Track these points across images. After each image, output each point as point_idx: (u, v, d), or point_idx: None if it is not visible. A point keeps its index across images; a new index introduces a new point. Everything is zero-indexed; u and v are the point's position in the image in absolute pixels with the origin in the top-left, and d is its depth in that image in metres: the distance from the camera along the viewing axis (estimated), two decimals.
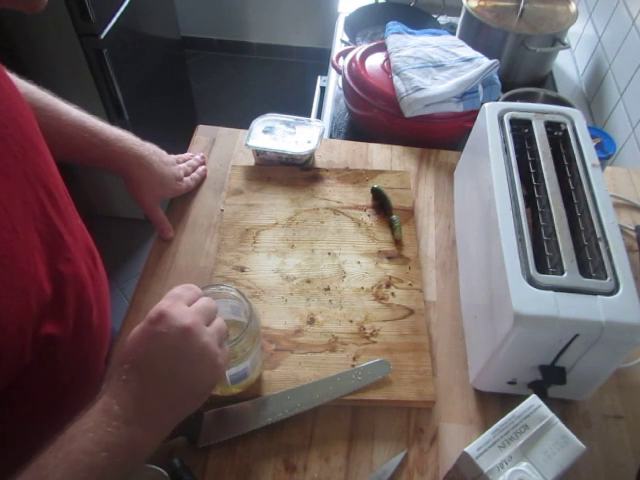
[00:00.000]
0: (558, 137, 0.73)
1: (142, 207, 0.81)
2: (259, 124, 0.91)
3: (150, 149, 0.79)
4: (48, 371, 0.56)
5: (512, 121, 0.74)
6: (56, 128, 0.69)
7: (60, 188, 0.59)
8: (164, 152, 0.83)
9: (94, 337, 0.64)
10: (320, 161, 0.93)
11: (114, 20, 1.56)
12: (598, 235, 0.61)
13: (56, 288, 0.53)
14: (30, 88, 0.68)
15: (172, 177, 0.82)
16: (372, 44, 1.13)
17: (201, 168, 0.90)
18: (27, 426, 0.55)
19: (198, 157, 0.90)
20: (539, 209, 0.65)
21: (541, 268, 0.58)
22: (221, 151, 0.94)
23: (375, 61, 1.09)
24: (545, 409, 0.53)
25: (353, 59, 1.09)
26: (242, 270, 0.76)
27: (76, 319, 0.58)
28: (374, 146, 0.97)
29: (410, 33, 1.16)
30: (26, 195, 0.51)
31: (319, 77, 1.48)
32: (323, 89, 1.39)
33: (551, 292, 0.56)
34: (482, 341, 0.65)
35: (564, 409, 0.66)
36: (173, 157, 0.85)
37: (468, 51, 1.09)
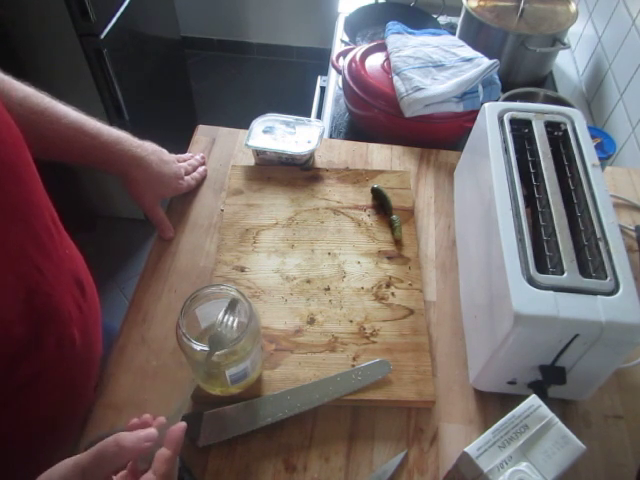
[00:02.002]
0: (558, 137, 0.73)
1: (142, 207, 0.80)
2: (259, 124, 0.91)
3: (149, 149, 0.78)
4: (25, 409, 0.55)
5: (512, 121, 0.74)
6: (55, 131, 0.68)
7: (46, 218, 0.57)
8: (164, 150, 0.82)
9: (78, 369, 0.62)
10: (320, 161, 0.93)
11: (114, 20, 1.56)
12: (598, 235, 0.61)
13: (32, 327, 0.52)
14: (28, 91, 0.67)
15: (172, 175, 0.81)
16: (372, 44, 1.13)
17: (201, 168, 0.89)
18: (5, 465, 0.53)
19: (198, 157, 0.90)
20: (539, 209, 0.65)
21: (541, 268, 0.58)
22: (221, 151, 0.94)
23: (375, 61, 1.09)
24: (545, 409, 0.53)
25: (353, 59, 1.09)
26: (242, 270, 0.76)
27: (57, 355, 0.56)
28: (374, 146, 0.97)
29: (410, 33, 1.16)
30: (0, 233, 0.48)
31: (319, 77, 1.48)
32: (323, 89, 1.39)
33: (551, 292, 0.56)
34: (482, 341, 0.65)
35: (564, 409, 0.66)
36: (173, 156, 0.85)
37: (468, 51, 1.09)
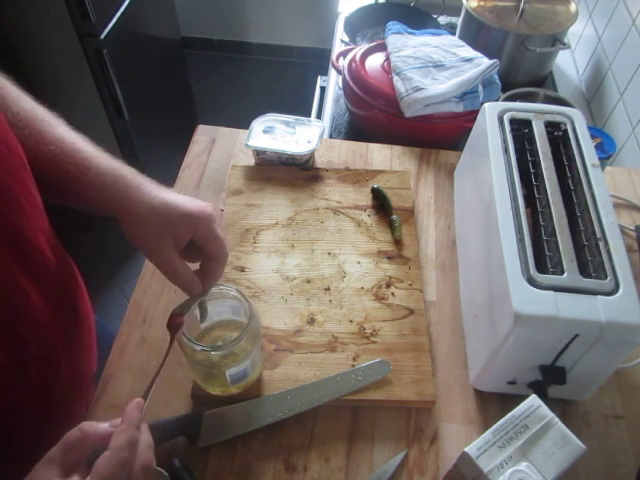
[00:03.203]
0: (558, 137, 0.73)
1: (147, 255, 0.56)
2: (259, 124, 0.91)
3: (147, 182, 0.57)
4: (3, 441, 0.53)
5: (512, 121, 0.74)
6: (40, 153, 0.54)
7: (40, 242, 0.52)
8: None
9: (63, 397, 0.60)
10: (320, 161, 0.93)
11: (114, 20, 1.56)
12: (598, 235, 0.61)
13: (13, 356, 0.50)
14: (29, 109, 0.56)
15: (193, 204, 0.56)
16: (372, 44, 1.13)
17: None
18: None
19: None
20: (539, 209, 0.65)
21: (541, 268, 0.58)
22: (221, 151, 0.94)
23: (375, 61, 1.09)
24: (545, 409, 0.53)
25: (353, 59, 1.09)
26: (242, 270, 0.76)
27: (39, 384, 0.54)
28: (374, 146, 0.97)
29: (410, 33, 1.16)
30: None
31: (319, 77, 1.48)
32: (323, 89, 1.39)
33: (551, 292, 0.56)
34: (482, 341, 0.65)
35: (564, 409, 0.66)
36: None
37: (468, 51, 1.09)
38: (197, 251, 0.57)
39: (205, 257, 0.57)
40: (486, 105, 0.76)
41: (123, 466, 0.41)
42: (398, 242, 0.81)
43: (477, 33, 1.26)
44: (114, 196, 0.54)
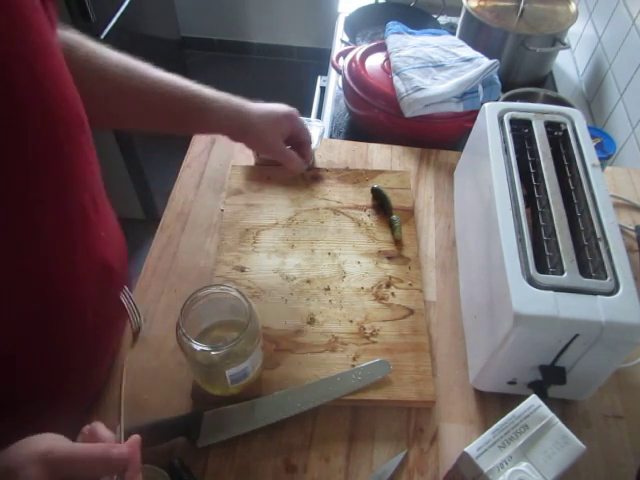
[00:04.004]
0: (558, 137, 0.73)
1: (264, 151, 0.79)
2: None
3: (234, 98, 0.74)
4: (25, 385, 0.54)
5: (512, 121, 0.74)
6: (154, 94, 0.66)
7: (84, 200, 0.54)
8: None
9: (86, 350, 0.60)
10: (320, 161, 0.93)
11: (114, 20, 1.56)
12: (598, 235, 0.61)
13: (40, 309, 0.50)
14: (124, 57, 0.67)
15: (278, 108, 0.75)
16: (372, 44, 1.13)
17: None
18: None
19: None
20: (539, 209, 0.65)
21: (541, 268, 0.58)
22: (221, 151, 0.94)
23: (375, 61, 1.09)
24: (545, 409, 0.53)
25: (353, 59, 1.09)
26: (242, 270, 0.76)
27: (63, 333, 0.55)
28: (374, 146, 0.97)
29: (410, 33, 1.16)
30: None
31: (319, 77, 1.48)
32: (323, 89, 1.39)
33: (551, 292, 0.56)
34: (482, 341, 0.65)
35: (564, 409, 0.66)
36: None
37: (468, 51, 1.09)
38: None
39: (298, 144, 0.78)
40: (486, 105, 0.76)
41: None
42: (398, 242, 0.81)
43: (477, 33, 1.26)
44: (229, 117, 0.70)
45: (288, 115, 0.75)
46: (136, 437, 0.46)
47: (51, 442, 0.42)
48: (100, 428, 0.46)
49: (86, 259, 0.56)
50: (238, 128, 0.71)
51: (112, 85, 0.64)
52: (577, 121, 0.73)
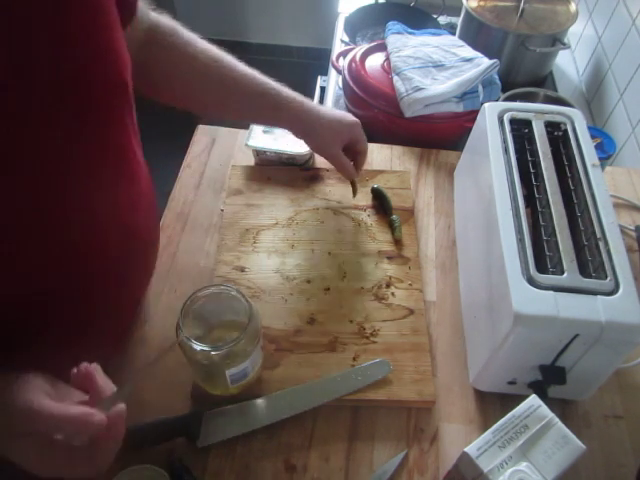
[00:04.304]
0: (558, 137, 0.73)
1: (322, 154, 0.82)
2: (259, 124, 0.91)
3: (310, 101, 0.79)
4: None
5: (512, 121, 0.74)
6: (232, 79, 0.73)
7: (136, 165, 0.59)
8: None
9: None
10: (320, 161, 0.93)
11: None
12: (598, 235, 0.61)
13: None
14: (208, 46, 0.73)
15: (343, 117, 0.80)
16: (372, 44, 1.13)
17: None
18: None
19: None
20: (539, 209, 0.65)
21: (541, 268, 0.58)
22: (221, 151, 0.94)
23: (375, 61, 1.09)
24: (545, 409, 0.53)
25: (353, 59, 1.09)
26: (242, 270, 0.76)
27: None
28: (374, 146, 0.97)
29: (410, 33, 1.16)
30: None
31: (319, 77, 1.48)
32: (323, 89, 1.39)
33: (551, 292, 0.56)
34: (482, 341, 0.65)
35: (564, 409, 0.66)
36: None
37: (468, 51, 1.09)
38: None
39: (354, 152, 0.82)
40: (486, 105, 0.76)
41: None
42: (398, 242, 0.81)
43: (477, 33, 1.26)
44: (298, 117, 0.76)
45: (351, 125, 0.80)
46: (122, 407, 0.45)
47: (35, 393, 0.43)
48: (98, 372, 0.46)
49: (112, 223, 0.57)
50: (303, 128, 0.77)
51: (200, 72, 0.71)
52: (577, 121, 0.73)
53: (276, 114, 0.76)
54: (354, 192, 0.85)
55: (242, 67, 0.74)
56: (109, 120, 0.52)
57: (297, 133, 0.79)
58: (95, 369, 0.47)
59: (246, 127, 0.91)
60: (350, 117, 0.81)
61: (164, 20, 0.69)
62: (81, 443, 0.44)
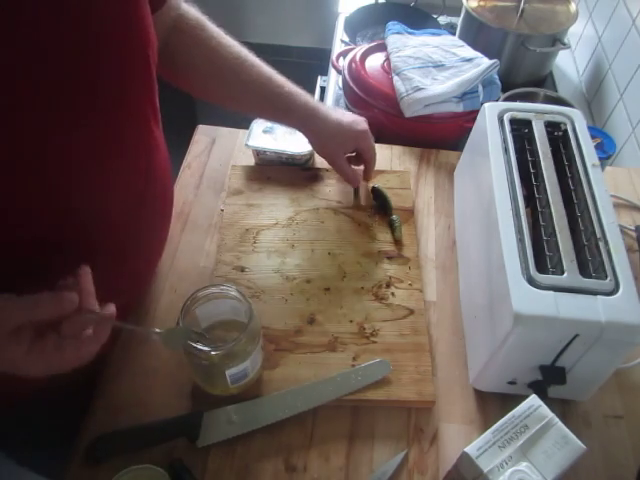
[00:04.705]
0: (558, 137, 0.73)
1: (325, 159, 0.83)
2: (259, 124, 0.91)
3: (322, 104, 0.81)
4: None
5: (512, 121, 0.74)
6: (249, 76, 0.74)
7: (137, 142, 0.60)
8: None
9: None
10: (320, 161, 0.93)
11: None
12: (598, 235, 0.61)
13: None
14: (229, 40, 0.74)
15: (352, 123, 0.80)
16: (372, 44, 1.13)
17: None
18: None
19: None
20: (539, 209, 0.65)
21: (541, 268, 0.58)
22: (221, 151, 0.94)
23: (375, 61, 1.09)
24: (545, 409, 0.53)
25: (353, 59, 1.09)
26: (242, 270, 0.76)
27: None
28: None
29: (410, 33, 1.16)
30: None
31: (319, 77, 1.48)
32: (323, 89, 1.39)
33: (551, 292, 0.56)
34: (482, 341, 0.65)
35: (564, 409, 0.66)
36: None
37: (468, 51, 1.09)
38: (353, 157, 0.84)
39: (362, 160, 0.84)
40: (486, 105, 0.76)
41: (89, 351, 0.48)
42: (398, 242, 0.81)
43: (477, 33, 1.26)
44: (307, 119, 0.78)
45: (358, 133, 0.80)
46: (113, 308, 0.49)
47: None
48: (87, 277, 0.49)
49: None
50: (311, 133, 0.80)
51: (219, 66, 0.73)
52: (577, 121, 0.73)
53: (287, 116, 0.78)
54: (355, 197, 0.86)
55: (261, 66, 0.76)
56: (129, 90, 0.54)
57: (306, 136, 0.81)
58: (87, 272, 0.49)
59: (246, 127, 0.91)
60: (359, 124, 0.81)
61: (193, 12, 0.72)
62: (71, 332, 0.46)
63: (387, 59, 1.08)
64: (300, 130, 0.80)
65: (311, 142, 0.82)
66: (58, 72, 0.45)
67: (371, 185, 0.87)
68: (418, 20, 1.38)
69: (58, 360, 0.46)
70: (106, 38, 0.48)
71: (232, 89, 0.76)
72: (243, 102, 0.79)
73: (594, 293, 0.56)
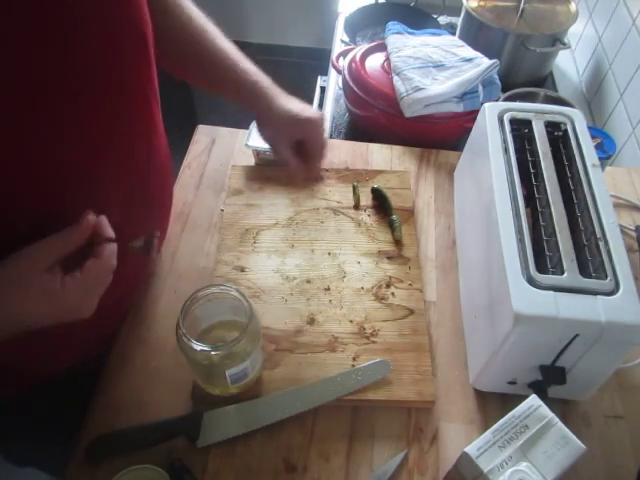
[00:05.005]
0: (558, 137, 0.73)
1: (268, 144, 0.79)
2: None
3: (278, 90, 0.77)
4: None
5: (512, 121, 0.74)
6: (208, 50, 0.73)
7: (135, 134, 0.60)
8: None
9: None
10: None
11: None
12: (598, 235, 0.61)
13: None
14: (195, 13, 0.73)
15: (301, 114, 0.74)
16: (372, 44, 1.13)
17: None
18: None
19: None
20: (539, 209, 0.65)
21: (541, 268, 0.58)
22: (221, 151, 0.94)
23: (375, 61, 1.09)
24: (545, 409, 0.53)
25: (353, 59, 1.09)
26: (242, 270, 0.76)
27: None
28: (374, 146, 0.97)
29: (410, 33, 1.16)
30: None
31: (319, 77, 1.48)
32: (323, 89, 1.39)
33: (551, 292, 0.56)
34: (482, 341, 0.65)
35: (564, 409, 0.66)
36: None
37: (468, 51, 1.09)
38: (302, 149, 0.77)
39: (307, 154, 0.77)
40: (486, 105, 0.76)
41: (110, 273, 0.51)
42: (398, 242, 0.81)
43: (477, 33, 1.26)
44: (259, 100, 0.74)
45: (306, 121, 0.74)
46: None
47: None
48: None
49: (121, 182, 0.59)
50: (258, 113, 0.77)
51: (186, 39, 0.72)
52: (577, 121, 0.73)
53: (238, 91, 0.75)
54: (355, 197, 0.85)
55: (222, 42, 0.74)
56: (127, 70, 0.54)
57: (255, 115, 0.78)
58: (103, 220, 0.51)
59: (246, 127, 0.91)
60: (308, 112, 0.75)
61: None
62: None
63: (387, 59, 1.08)
64: (250, 110, 0.77)
65: (257, 124, 0.78)
66: (48, 50, 0.44)
67: (371, 185, 0.87)
68: (418, 20, 1.38)
69: (89, 284, 0.49)
70: (101, 15, 0.47)
71: (196, 62, 0.75)
72: (200, 74, 0.77)
73: (594, 293, 0.56)
